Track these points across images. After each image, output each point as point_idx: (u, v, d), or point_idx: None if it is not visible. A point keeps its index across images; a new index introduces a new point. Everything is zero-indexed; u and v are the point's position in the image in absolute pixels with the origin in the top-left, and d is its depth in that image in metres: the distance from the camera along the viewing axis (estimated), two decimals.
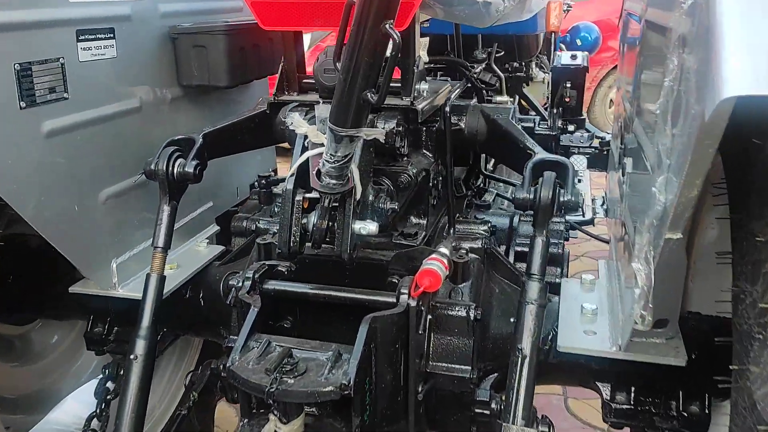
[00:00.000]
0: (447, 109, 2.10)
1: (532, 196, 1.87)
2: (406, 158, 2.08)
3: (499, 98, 3.44)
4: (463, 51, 3.23)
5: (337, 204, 1.82)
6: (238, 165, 2.95)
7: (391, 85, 2.06)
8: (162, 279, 2.13)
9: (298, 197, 1.84)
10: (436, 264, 1.86)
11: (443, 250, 1.97)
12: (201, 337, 2.92)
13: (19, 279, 2.59)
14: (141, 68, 2.36)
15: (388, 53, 1.49)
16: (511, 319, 2.03)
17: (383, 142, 1.83)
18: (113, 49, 2.21)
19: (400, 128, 1.92)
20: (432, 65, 2.73)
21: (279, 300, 1.98)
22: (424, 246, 1.99)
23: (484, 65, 3.44)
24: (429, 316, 1.96)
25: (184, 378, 2.73)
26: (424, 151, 2.20)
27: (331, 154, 1.68)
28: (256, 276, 1.96)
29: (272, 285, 1.96)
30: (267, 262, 2.01)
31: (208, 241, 2.74)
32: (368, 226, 1.82)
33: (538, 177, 1.93)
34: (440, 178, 2.21)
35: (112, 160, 2.24)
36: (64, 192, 2.04)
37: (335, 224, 1.83)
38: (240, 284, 1.97)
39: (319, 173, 1.74)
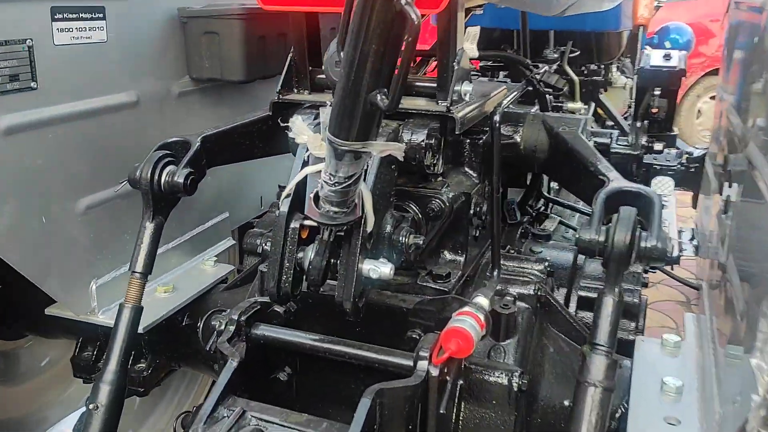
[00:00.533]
0: (497, 117, 1.65)
1: (602, 239, 1.40)
2: (440, 178, 1.64)
3: (571, 105, 2.94)
4: (531, 49, 2.75)
5: (343, 234, 1.40)
6: (263, 169, 2.57)
7: (425, 85, 1.65)
8: (137, 311, 1.77)
9: (295, 224, 1.43)
10: (469, 321, 1.42)
11: (481, 300, 1.52)
12: (198, 372, 2.56)
13: (5, 288, 2.29)
14: (140, 56, 2.01)
15: (406, 38, 1.06)
16: (566, 402, 1.56)
17: (403, 159, 1.40)
18: (103, 32, 1.86)
19: (432, 141, 1.49)
20: (489, 63, 2.27)
21: (271, 349, 1.58)
22: (455, 295, 1.54)
23: (555, 66, 2.95)
24: (459, 382, 1.52)
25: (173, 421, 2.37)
26: (467, 169, 1.76)
27: (330, 174, 1.26)
28: (242, 319, 1.56)
29: (262, 331, 1.57)
30: (260, 300, 1.61)
31: (216, 259, 2.37)
32: (380, 268, 1.39)
33: (611, 212, 1.46)
34: (486, 204, 1.76)
35: (97, 164, 1.90)
36: (26, 200, 1.70)
37: (338, 262, 1.41)
38: (222, 327, 1.58)
39: (317, 197, 1.33)
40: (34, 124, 1.70)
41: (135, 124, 2.02)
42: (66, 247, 1.85)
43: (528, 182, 2.18)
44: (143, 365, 2.25)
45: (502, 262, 1.89)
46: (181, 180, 1.78)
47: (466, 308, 1.47)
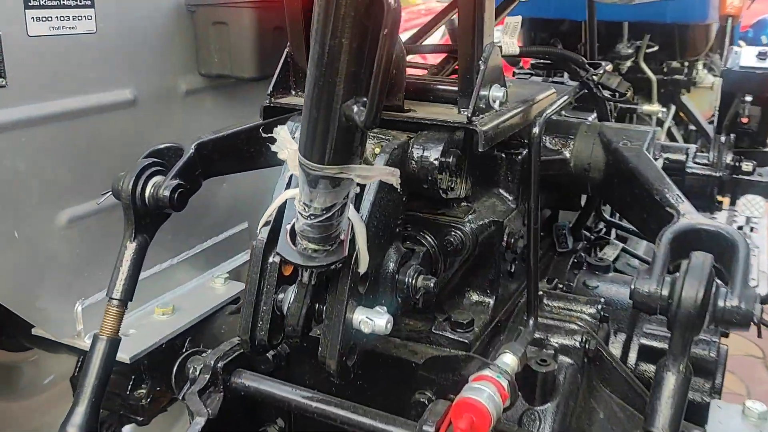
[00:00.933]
0: (536, 128, 1.33)
1: (665, 293, 1.07)
2: (465, 203, 1.33)
3: (647, 107, 2.57)
4: (602, 44, 2.39)
5: (330, 275, 1.12)
6: None
7: (445, 88, 1.35)
8: (114, 344, 1.55)
9: (274, 258, 1.16)
10: (487, 392, 1.11)
11: (508, 360, 1.22)
12: None
13: None
14: (138, 49, 1.78)
15: (382, 32, 0.77)
16: None
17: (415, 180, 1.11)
18: (91, 21, 1.64)
19: (449, 159, 1.18)
20: (542, 61, 1.92)
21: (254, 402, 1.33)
22: (474, 354, 1.24)
23: (627, 64, 2.58)
24: None
25: None
26: (501, 191, 1.45)
27: (304, 204, 0.98)
28: (220, 365, 1.31)
29: (244, 380, 1.31)
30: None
31: (228, 276, 2.13)
32: (375, 320, 1.11)
33: (680, 257, 1.12)
34: (522, 234, 1.44)
35: (83, 172, 1.69)
36: None
37: (324, 309, 1.13)
38: (196, 375, 1.33)
39: (293, 232, 1.05)
40: (2, 126, 1.49)
41: (131, 127, 1.79)
42: (44, 265, 1.65)
43: (583, 203, 1.84)
44: (143, 392, 2.04)
45: (545, 301, 1.57)
46: (167, 193, 1.54)
47: (487, 371, 1.17)
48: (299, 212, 1.02)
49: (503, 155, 1.43)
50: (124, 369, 1.85)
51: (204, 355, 1.39)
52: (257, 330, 1.19)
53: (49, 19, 1.56)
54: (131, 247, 1.57)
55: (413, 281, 1.21)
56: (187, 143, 1.60)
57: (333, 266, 1.08)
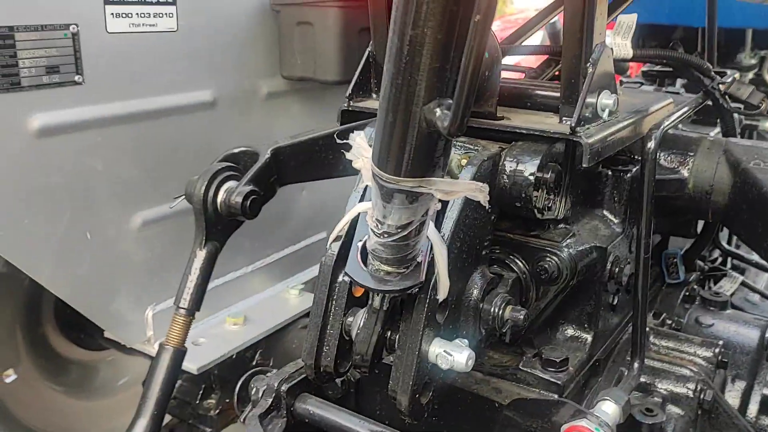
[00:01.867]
0: (652, 143, 1.16)
1: None
2: (563, 225, 1.17)
3: None
4: (718, 53, 2.15)
5: (404, 300, 1.00)
6: None
7: (545, 94, 1.19)
8: (179, 355, 1.49)
9: (344, 278, 1.04)
10: None
11: (608, 410, 1.05)
12: None
13: None
14: (220, 49, 1.73)
15: (473, 18, 0.64)
16: None
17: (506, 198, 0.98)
18: (172, 19, 1.60)
19: (547, 174, 1.04)
20: (656, 68, 1.73)
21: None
22: (567, 400, 1.08)
23: (750, 75, 2.33)
24: None
25: None
26: (606, 213, 1.28)
27: (377, 221, 0.86)
28: (284, 389, 1.21)
29: (310, 406, 1.20)
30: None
31: (303, 287, 2.05)
32: (454, 355, 0.98)
33: None
34: (630, 262, 1.27)
35: (157, 174, 1.64)
36: (67, 214, 1.47)
37: (397, 338, 1.01)
38: (259, 397, 1.24)
39: (365, 251, 0.94)
40: (78, 125, 1.47)
41: (209, 129, 1.74)
42: (117, 268, 1.61)
43: (699, 229, 1.63)
44: (212, 402, 2.00)
45: (651, 339, 1.39)
46: (239, 200, 1.46)
47: (584, 422, 1.01)
48: (371, 229, 0.90)
49: (609, 172, 1.27)
50: (194, 377, 1.80)
51: (268, 375, 1.30)
52: (323, 356, 1.08)
53: (129, 15, 1.52)
54: (201, 255, 1.50)
55: (500, 312, 1.07)
56: (264, 148, 1.52)
57: (408, 291, 0.95)
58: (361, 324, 1.04)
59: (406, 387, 0.99)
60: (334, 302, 1.08)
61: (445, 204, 1.00)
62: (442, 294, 1.00)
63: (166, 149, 1.67)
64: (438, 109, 0.72)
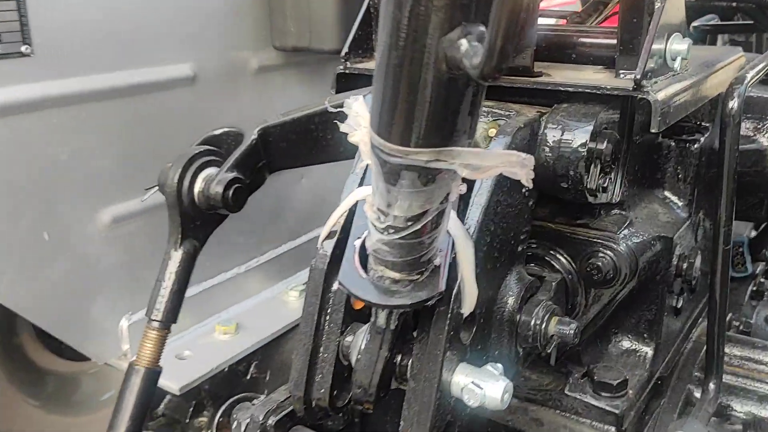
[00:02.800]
0: (733, 104, 0.90)
1: None
2: (617, 211, 0.93)
3: None
4: None
5: (417, 316, 0.77)
6: None
7: (595, 41, 0.94)
8: (152, 376, 1.26)
9: (338, 287, 0.81)
10: None
11: None
12: None
13: None
14: (201, 17, 1.49)
15: None
16: None
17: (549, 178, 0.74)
18: None
19: (603, 145, 0.79)
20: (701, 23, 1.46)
21: None
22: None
23: None
24: None
25: None
26: (667, 194, 1.03)
27: (379, 211, 0.62)
28: (271, 421, 0.98)
29: None
30: None
31: (304, 288, 1.80)
32: (486, 388, 0.73)
33: None
34: (698, 254, 1.02)
35: (131, 161, 1.41)
36: (14, 211, 1.24)
37: (410, 364, 0.77)
38: (243, 428, 1.01)
39: (364, 251, 0.70)
40: (28, 104, 1.24)
41: (189, 109, 1.51)
42: (83, 273, 1.39)
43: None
44: (204, 420, 1.77)
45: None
46: (219, 189, 1.23)
47: None
48: (372, 223, 0.66)
49: (672, 143, 1.02)
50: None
51: (254, 403, 1.06)
52: (314, 386, 0.84)
53: None
54: (176, 257, 1.27)
55: (543, 325, 0.82)
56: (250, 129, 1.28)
57: (423, 305, 0.71)
58: (363, 346, 0.80)
59: (422, 429, 0.75)
60: (327, 317, 0.84)
61: (470, 186, 0.75)
62: (468, 307, 0.76)
63: (139, 133, 1.45)
64: (464, 41, 0.48)
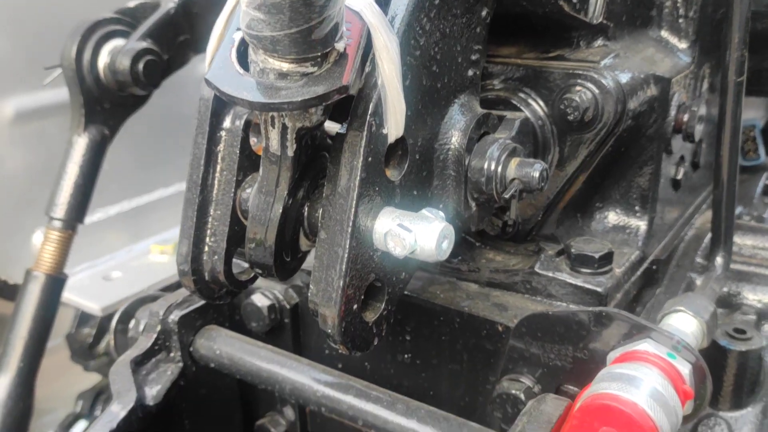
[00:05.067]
0: None
1: None
2: (602, 41, 0.74)
3: None
4: None
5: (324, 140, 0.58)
6: None
7: None
8: (55, 284, 1.08)
9: (237, 122, 0.62)
10: (649, 383, 0.52)
11: (682, 326, 0.62)
12: None
13: None
14: None
15: None
16: None
17: None
18: None
19: None
20: None
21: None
22: (618, 311, 0.64)
23: None
24: None
25: None
26: (663, 33, 0.84)
27: None
28: (173, 317, 0.80)
29: (216, 345, 0.79)
30: None
31: None
32: (417, 232, 0.54)
33: None
34: (703, 106, 0.84)
35: (36, 44, 1.21)
36: None
37: (320, 213, 0.58)
38: (140, 331, 0.83)
39: (245, 46, 0.51)
40: None
41: None
42: None
43: None
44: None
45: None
46: (126, 62, 1.06)
47: (647, 345, 0.58)
48: None
49: None
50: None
51: (159, 300, 0.88)
52: (204, 255, 0.65)
53: None
54: (81, 145, 1.10)
55: (499, 168, 0.64)
56: None
57: (322, 104, 0.53)
58: (256, 187, 0.61)
59: (333, 294, 0.57)
60: (219, 165, 0.65)
61: None
62: (394, 127, 0.57)
63: (47, 11, 1.23)
64: None
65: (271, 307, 0.89)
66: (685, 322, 0.67)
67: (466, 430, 0.66)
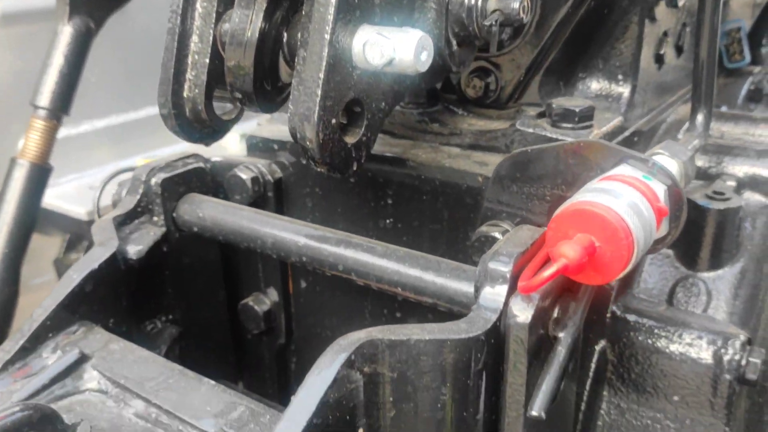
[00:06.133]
0: None
1: None
2: None
3: None
4: None
5: None
6: None
7: None
8: (41, 174, 1.08)
9: None
10: (626, 196, 0.52)
11: (664, 158, 0.63)
12: None
13: None
14: None
15: None
16: None
17: None
18: None
19: None
20: None
21: None
22: (599, 140, 0.65)
23: None
24: (598, 345, 0.65)
25: None
26: None
27: None
28: (156, 180, 0.81)
29: (199, 210, 0.80)
30: None
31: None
32: (395, 40, 0.54)
33: None
34: None
35: None
36: None
37: (299, 36, 0.58)
38: (122, 195, 0.84)
39: None
40: None
41: None
42: None
43: None
44: None
45: (712, 123, 0.95)
46: None
47: (626, 168, 0.59)
48: None
49: None
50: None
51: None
52: (184, 86, 0.65)
53: None
54: (66, 34, 1.09)
55: (480, 0, 0.63)
56: None
57: None
58: (238, 15, 0.61)
59: (312, 105, 0.57)
60: None
61: None
62: None
63: None
64: None
65: (254, 179, 0.89)
66: (664, 163, 0.67)
67: (444, 266, 0.67)
